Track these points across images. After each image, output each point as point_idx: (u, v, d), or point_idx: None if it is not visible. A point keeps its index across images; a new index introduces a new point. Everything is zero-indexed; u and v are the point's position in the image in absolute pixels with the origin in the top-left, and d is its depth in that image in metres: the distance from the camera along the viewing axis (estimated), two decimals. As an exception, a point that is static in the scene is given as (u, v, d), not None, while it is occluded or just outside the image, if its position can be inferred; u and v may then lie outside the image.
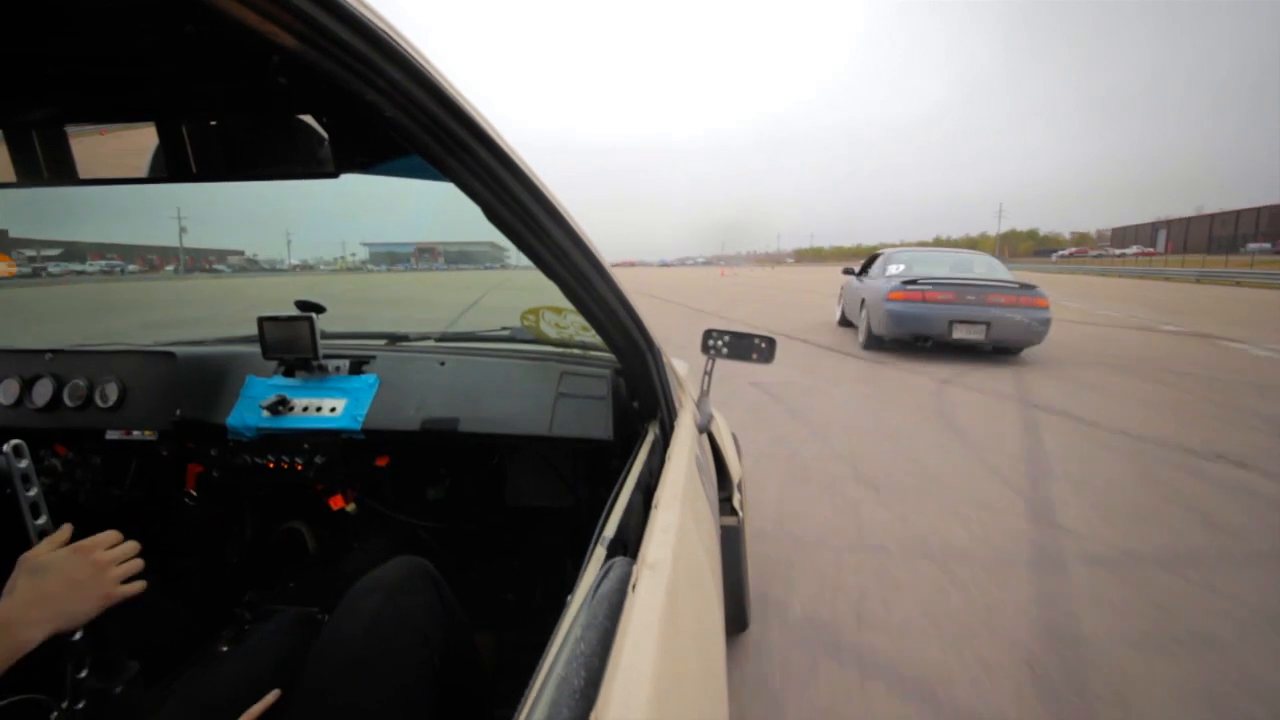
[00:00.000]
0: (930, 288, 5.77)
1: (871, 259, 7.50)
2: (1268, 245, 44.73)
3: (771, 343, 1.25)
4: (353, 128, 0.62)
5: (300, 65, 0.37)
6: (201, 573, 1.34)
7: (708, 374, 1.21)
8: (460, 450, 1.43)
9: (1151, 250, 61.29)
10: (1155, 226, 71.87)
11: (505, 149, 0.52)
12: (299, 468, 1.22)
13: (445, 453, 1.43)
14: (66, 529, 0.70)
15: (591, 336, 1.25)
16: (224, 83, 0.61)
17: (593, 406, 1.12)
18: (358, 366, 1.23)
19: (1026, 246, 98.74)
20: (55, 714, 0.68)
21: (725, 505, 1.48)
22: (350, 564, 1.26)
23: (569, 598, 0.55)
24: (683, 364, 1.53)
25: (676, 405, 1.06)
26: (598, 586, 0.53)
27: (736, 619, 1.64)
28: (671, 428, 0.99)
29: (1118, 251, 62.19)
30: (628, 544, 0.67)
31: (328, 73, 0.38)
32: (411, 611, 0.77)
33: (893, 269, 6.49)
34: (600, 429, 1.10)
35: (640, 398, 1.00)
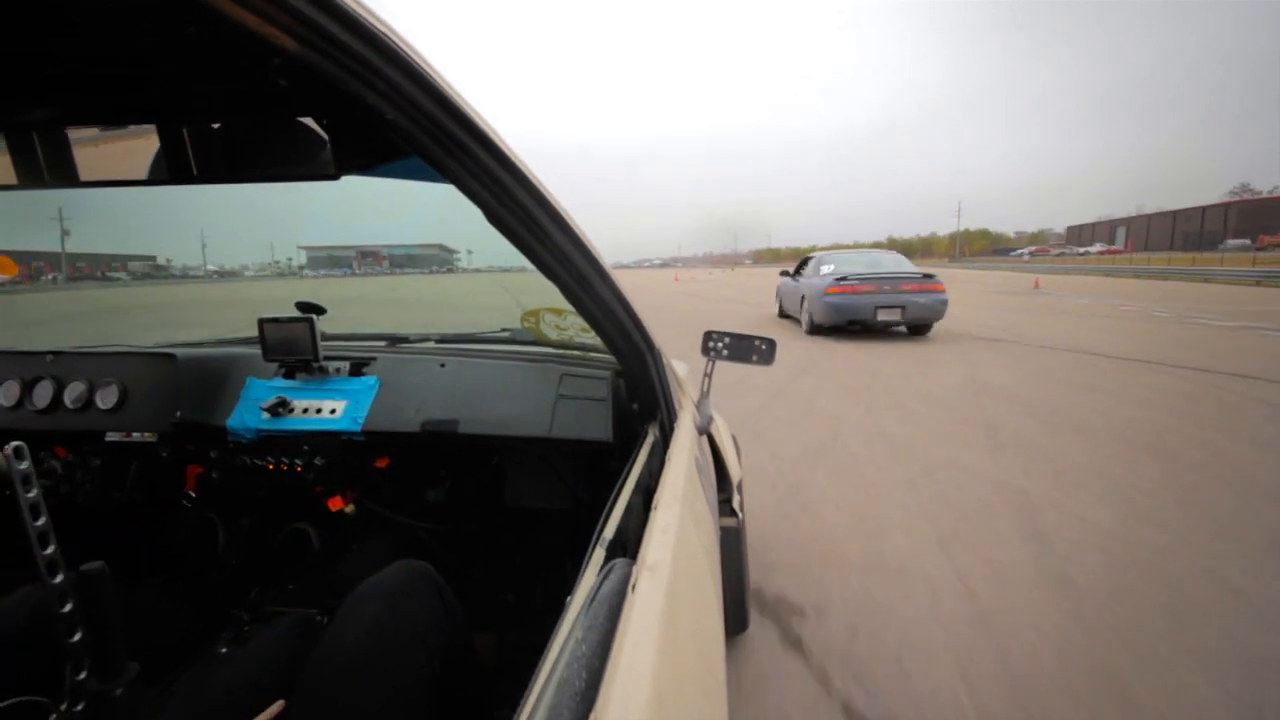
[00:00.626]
0: (858, 281, 7.34)
1: (804, 261, 8.94)
2: (1248, 241, 42.93)
3: (772, 344, 1.25)
4: (353, 130, 0.63)
5: (301, 68, 0.37)
6: (201, 574, 1.34)
7: (708, 376, 1.21)
8: (460, 452, 1.43)
9: (1116, 248, 59.54)
10: (1113, 224, 70.42)
11: (506, 151, 0.52)
12: (299, 469, 1.22)
13: (445, 454, 1.43)
14: None
15: (591, 338, 1.25)
16: (225, 85, 0.61)
17: (592, 408, 1.12)
18: (358, 368, 1.24)
19: (979, 245, 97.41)
20: (54, 716, 0.68)
21: (725, 506, 1.48)
22: (350, 566, 1.26)
23: (568, 599, 0.55)
24: (683, 366, 1.53)
25: (676, 407, 1.06)
26: (598, 588, 0.53)
27: (736, 619, 1.65)
28: (671, 429, 0.99)
29: (1081, 250, 61.36)
30: (627, 545, 0.67)
31: (328, 75, 0.38)
32: (411, 616, 0.77)
33: (825, 269, 7.92)
34: (600, 430, 1.10)
35: (640, 399, 1.00)
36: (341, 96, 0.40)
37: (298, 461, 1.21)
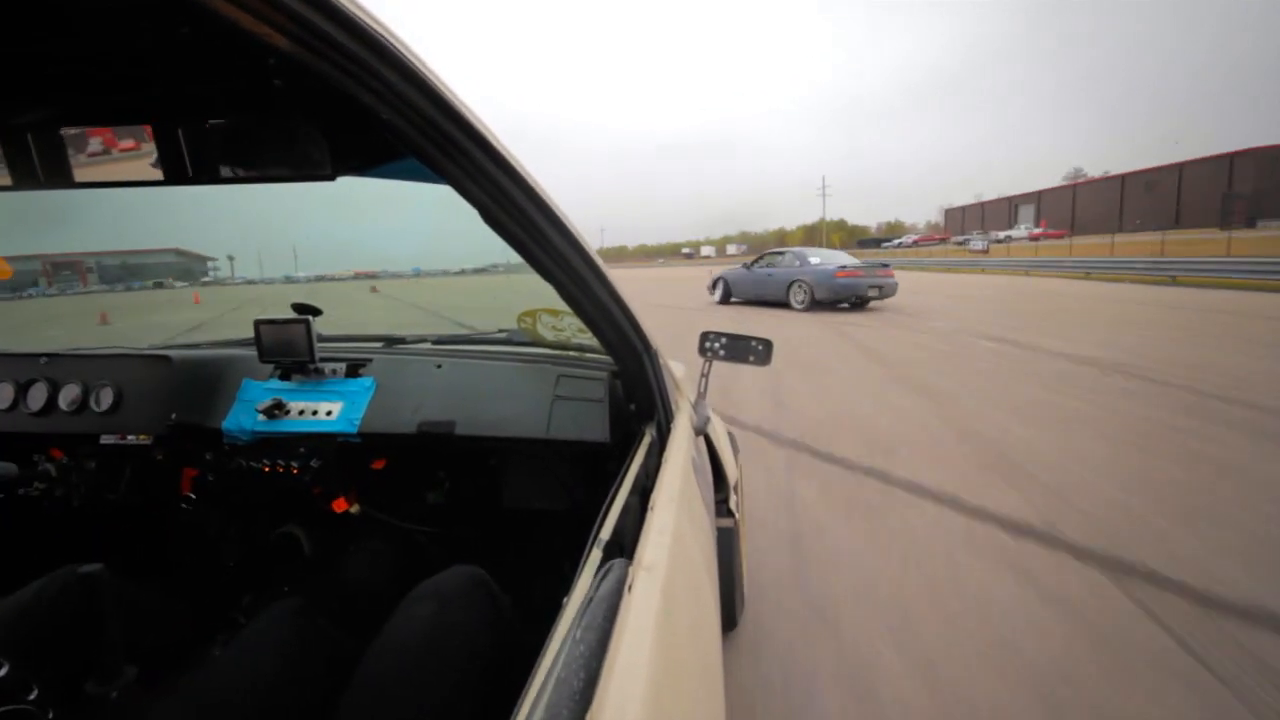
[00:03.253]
0: (854, 269, 10.28)
1: (760, 257, 11.86)
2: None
3: (768, 345, 1.26)
4: (349, 130, 0.63)
5: (296, 68, 0.37)
6: (197, 577, 1.33)
7: (705, 376, 1.22)
8: (457, 453, 1.43)
9: (1055, 231, 36.44)
10: (1012, 201, 47.33)
11: (501, 151, 0.52)
12: (295, 471, 1.21)
13: (442, 456, 1.43)
14: None
15: (588, 339, 1.25)
16: (220, 85, 0.61)
17: (589, 409, 1.12)
18: (354, 369, 1.23)
19: (837, 237, 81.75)
20: (52, 718, 0.68)
21: (721, 507, 1.48)
22: (349, 568, 1.26)
23: (565, 599, 0.55)
24: (680, 366, 1.53)
25: (673, 407, 1.06)
26: (595, 589, 0.53)
27: (726, 618, 1.64)
28: (668, 430, 0.99)
29: (1001, 235, 37.97)
30: (624, 546, 0.67)
31: (323, 75, 0.38)
32: (464, 623, 0.76)
33: (814, 260, 10.73)
34: (597, 431, 1.10)
35: (637, 400, 1.00)
36: (337, 96, 0.40)
37: (294, 464, 1.21)
